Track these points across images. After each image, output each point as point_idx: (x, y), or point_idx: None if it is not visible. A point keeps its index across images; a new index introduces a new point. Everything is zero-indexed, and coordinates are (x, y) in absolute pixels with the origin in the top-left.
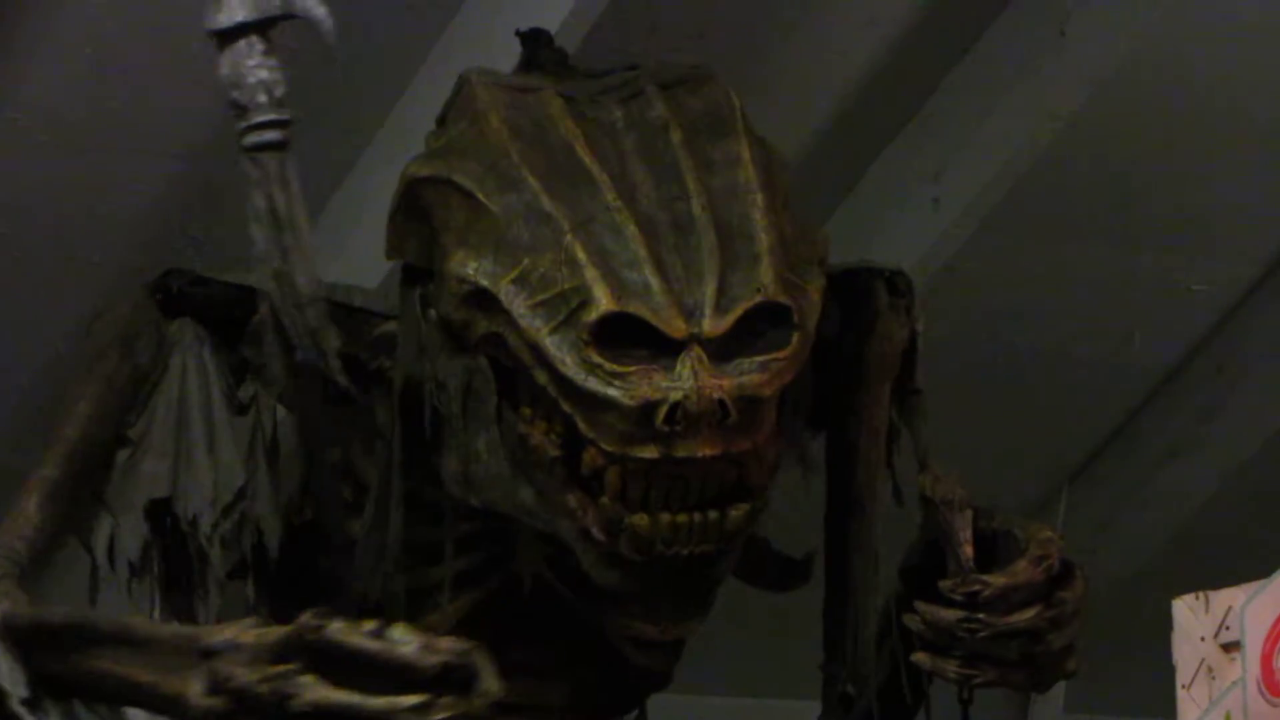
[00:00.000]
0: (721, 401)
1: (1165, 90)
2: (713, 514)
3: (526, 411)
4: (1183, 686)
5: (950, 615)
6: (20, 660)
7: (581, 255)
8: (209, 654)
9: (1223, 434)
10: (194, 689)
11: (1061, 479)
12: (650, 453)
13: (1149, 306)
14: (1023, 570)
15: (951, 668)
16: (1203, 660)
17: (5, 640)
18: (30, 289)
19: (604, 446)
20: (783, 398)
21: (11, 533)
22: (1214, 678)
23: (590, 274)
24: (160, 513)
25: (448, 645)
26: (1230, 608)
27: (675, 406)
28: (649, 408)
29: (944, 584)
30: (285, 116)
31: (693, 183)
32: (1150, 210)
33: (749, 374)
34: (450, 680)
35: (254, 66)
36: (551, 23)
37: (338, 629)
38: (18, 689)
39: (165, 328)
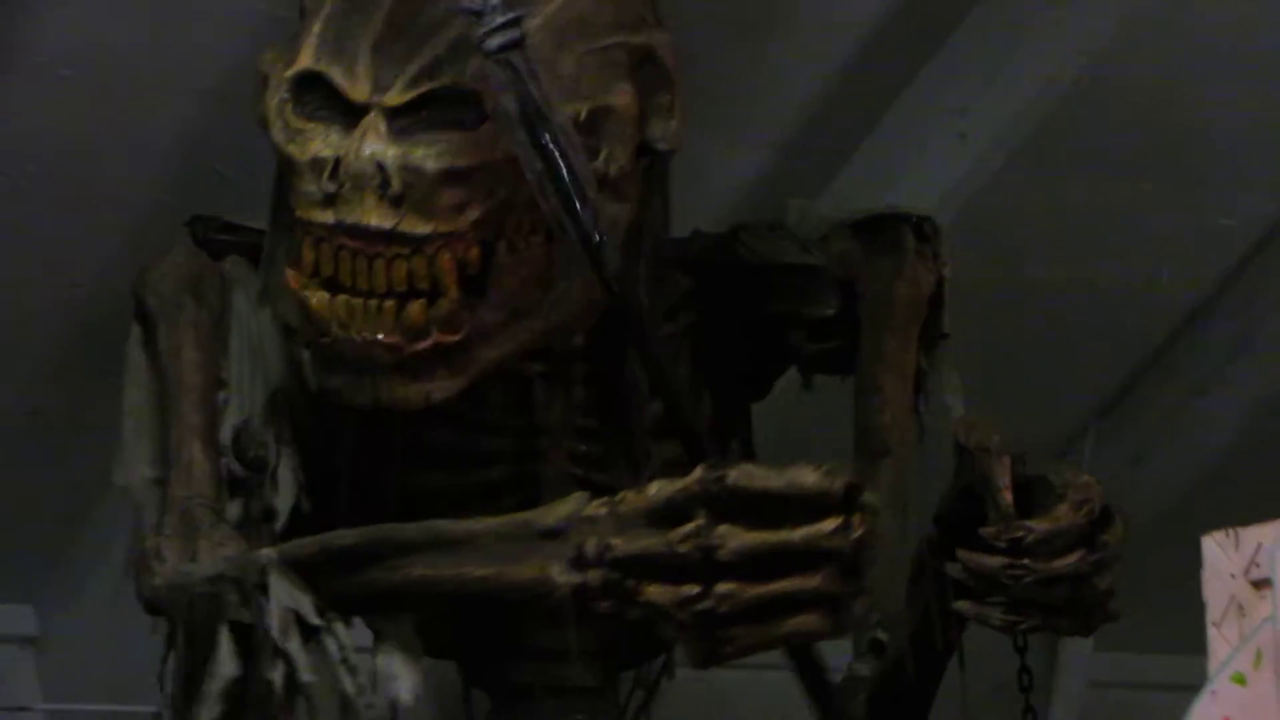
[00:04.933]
0: (381, 166)
1: (1195, 22)
2: (389, 302)
3: None
4: (1213, 624)
5: (994, 562)
6: (308, 589)
7: (316, 26)
8: (552, 535)
9: (1252, 369)
10: (557, 568)
11: (1089, 415)
12: (326, 216)
13: (1178, 241)
14: (1065, 515)
15: (996, 615)
16: (1233, 597)
17: (290, 573)
18: (59, 226)
19: (296, 212)
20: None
21: (195, 482)
22: (1244, 615)
23: (306, 37)
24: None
25: (833, 469)
26: (1260, 544)
27: (338, 164)
28: (317, 164)
29: (986, 531)
30: (519, 14)
31: None
32: (1179, 144)
33: (419, 146)
34: (848, 501)
35: None
36: None
37: (740, 473)
38: (309, 617)
39: (221, 267)
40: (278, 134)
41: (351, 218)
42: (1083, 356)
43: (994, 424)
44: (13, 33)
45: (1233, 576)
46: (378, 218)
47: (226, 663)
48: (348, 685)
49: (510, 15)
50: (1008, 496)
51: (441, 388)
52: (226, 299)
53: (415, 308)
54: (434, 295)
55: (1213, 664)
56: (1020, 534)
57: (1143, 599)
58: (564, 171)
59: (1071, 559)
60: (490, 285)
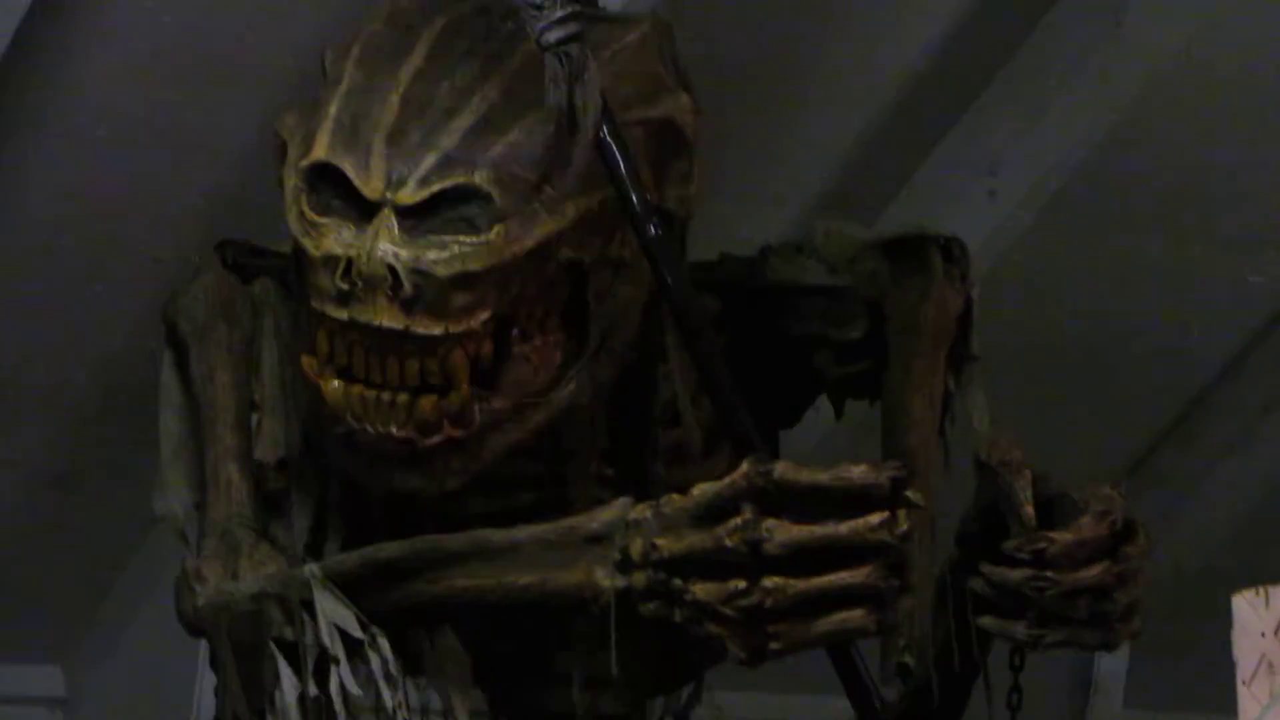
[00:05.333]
0: (393, 269)
1: (1222, 81)
2: (402, 396)
3: None
4: (1243, 682)
5: (1017, 575)
6: (350, 604)
7: (331, 111)
8: (597, 539)
9: None
10: (602, 573)
11: (1120, 473)
12: (340, 314)
13: (1207, 298)
14: (1088, 526)
15: (1020, 629)
16: (1263, 655)
17: (334, 588)
18: (89, 285)
19: (311, 302)
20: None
21: (233, 501)
22: (1275, 673)
23: (322, 126)
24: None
25: (877, 464)
26: None
27: (350, 265)
28: (330, 262)
29: (1009, 544)
30: (578, 8)
31: (498, 81)
32: (1208, 201)
33: (430, 249)
34: (894, 495)
35: None
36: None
37: (787, 467)
38: (352, 631)
39: (251, 290)
40: (294, 223)
41: (364, 317)
42: (1111, 414)
43: (1015, 440)
44: (49, 93)
45: (1263, 635)
46: (389, 318)
47: (287, 679)
48: (388, 699)
49: (569, 10)
50: (1029, 510)
51: (455, 478)
52: (257, 322)
53: (427, 403)
54: (446, 388)
55: None
56: (1042, 545)
57: (1172, 657)
58: (620, 164)
59: (1095, 570)
60: (502, 374)
